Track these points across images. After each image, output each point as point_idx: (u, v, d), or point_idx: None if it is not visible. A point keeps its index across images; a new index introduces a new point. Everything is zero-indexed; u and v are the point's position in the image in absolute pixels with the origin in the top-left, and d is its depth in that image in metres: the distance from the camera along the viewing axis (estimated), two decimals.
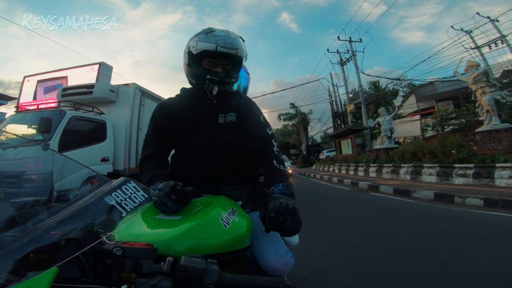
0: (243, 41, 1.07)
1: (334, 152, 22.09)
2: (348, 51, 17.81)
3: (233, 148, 1.11)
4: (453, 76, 11.26)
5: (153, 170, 1.03)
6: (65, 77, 7.34)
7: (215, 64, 1.03)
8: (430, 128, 14.69)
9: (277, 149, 1.13)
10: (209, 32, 1.01)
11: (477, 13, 15.54)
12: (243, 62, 1.09)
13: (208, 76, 1.01)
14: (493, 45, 15.03)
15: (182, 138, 1.08)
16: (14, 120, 4.95)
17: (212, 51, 0.97)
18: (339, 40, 17.67)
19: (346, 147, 17.76)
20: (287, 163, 13.05)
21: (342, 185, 9.80)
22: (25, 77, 7.83)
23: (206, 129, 1.07)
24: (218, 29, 1.02)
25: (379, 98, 23.54)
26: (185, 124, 1.06)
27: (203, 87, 1.03)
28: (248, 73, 1.56)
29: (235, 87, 1.51)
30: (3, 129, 4.50)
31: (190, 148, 1.07)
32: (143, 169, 1.06)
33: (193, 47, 1.00)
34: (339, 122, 21.99)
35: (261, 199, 1.07)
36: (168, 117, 1.10)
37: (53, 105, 6.19)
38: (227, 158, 1.10)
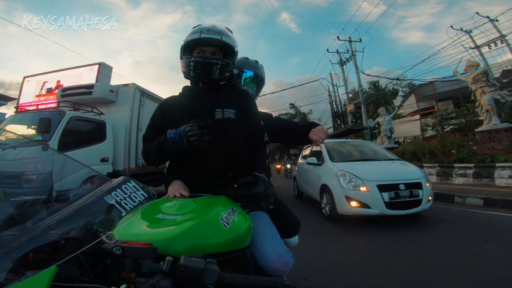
0: (231, 32, 1.13)
1: None
2: (347, 51, 17.78)
3: (234, 146, 1.09)
4: (453, 76, 11.26)
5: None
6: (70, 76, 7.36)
7: (203, 52, 1.08)
8: (430, 128, 14.70)
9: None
10: (196, 26, 1.10)
11: (477, 13, 15.53)
12: (235, 51, 1.12)
13: (192, 59, 1.06)
14: (492, 45, 15.02)
15: None
16: (14, 120, 4.94)
17: (196, 38, 1.05)
18: (338, 40, 17.64)
19: None
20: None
21: None
22: (24, 77, 7.84)
23: None
24: (199, 25, 1.11)
25: (379, 98, 23.52)
26: (182, 119, 1.05)
27: (190, 71, 1.07)
28: (263, 81, 1.56)
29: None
30: (3, 129, 4.50)
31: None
32: (147, 145, 1.14)
33: (183, 41, 1.09)
34: (339, 122, 21.97)
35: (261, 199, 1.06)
36: (165, 116, 1.13)
37: (52, 105, 6.19)
38: (225, 157, 1.07)
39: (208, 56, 1.07)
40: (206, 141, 0.98)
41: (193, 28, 1.11)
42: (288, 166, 13.39)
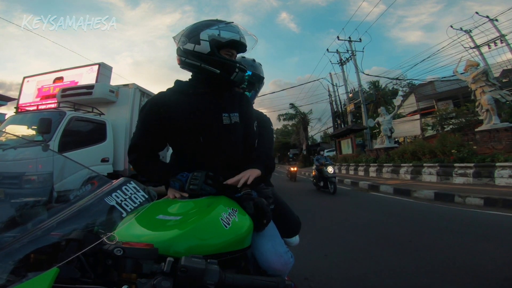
0: None
1: (334, 152, 22.06)
2: (347, 51, 17.81)
3: (237, 151, 1.08)
4: (453, 76, 11.26)
5: (162, 163, 1.10)
6: (70, 77, 7.34)
7: (231, 54, 1.04)
8: (430, 128, 14.72)
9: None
10: (220, 22, 1.02)
11: (476, 13, 15.54)
12: None
13: (238, 64, 1.01)
14: (492, 44, 15.03)
15: (185, 139, 1.02)
16: (14, 121, 4.95)
17: (237, 41, 1.00)
18: (338, 40, 17.66)
19: (346, 147, 17.76)
20: None
21: (342, 185, 9.79)
22: (24, 77, 7.82)
23: (211, 131, 1.01)
24: (225, 21, 1.04)
25: (379, 97, 23.52)
26: (186, 124, 0.99)
27: (230, 76, 1.01)
28: (263, 80, 1.55)
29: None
30: (3, 130, 4.50)
31: (195, 150, 1.02)
32: (145, 162, 1.07)
33: (217, 35, 0.97)
34: (339, 122, 21.98)
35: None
36: (161, 115, 0.99)
37: (52, 105, 6.19)
38: (230, 162, 1.05)
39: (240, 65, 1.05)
40: (206, 191, 0.93)
41: (226, 24, 1.01)
42: (330, 170, 7.18)
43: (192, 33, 0.98)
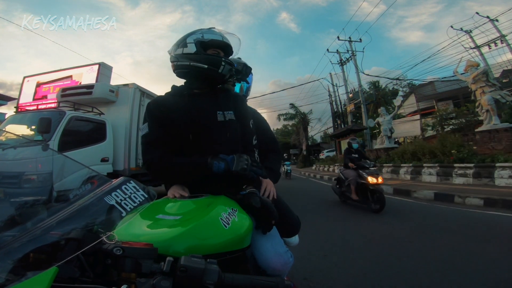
0: None
1: (334, 152, 22.06)
2: (347, 51, 17.80)
3: (235, 148, 1.08)
4: (453, 76, 11.27)
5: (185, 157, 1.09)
6: (70, 76, 7.34)
7: (218, 53, 1.11)
8: (430, 128, 14.70)
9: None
10: (203, 29, 1.13)
11: (477, 13, 15.54)
12: None
13: (223, 58, 1.09)
14: (492, 44, 15.03)
15: (178, 137, 1.05)
16: (14, 120, 4.94)
17: (219, 40, 1.10)
18: (338, 40, 17.67)
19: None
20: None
21: None
22: (24, 77, 7.82)
23: (204, 128, 1.05)
24: (208, 28, 1.15)
25: (379, 98, 23.54)
26: (180, 123, 1.03)
27: (218, 70, 1.08)
28: (251, 73, 1.58)
29: (237, 86, 1.52)
30: (3, 129, 4.50)
31: (188, 148, 1.05)
32: (169, 159, 1.02)
33: (201, 37, 1.08)
34: (339, 122, 21.99)
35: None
36: (163, 115, 1.06)
37: (52, 105, 6.19)
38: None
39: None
40: (253, 171, 0.98)
41: (209, 29, 1.13)
42: None
43: (181, 41, 1.11)
